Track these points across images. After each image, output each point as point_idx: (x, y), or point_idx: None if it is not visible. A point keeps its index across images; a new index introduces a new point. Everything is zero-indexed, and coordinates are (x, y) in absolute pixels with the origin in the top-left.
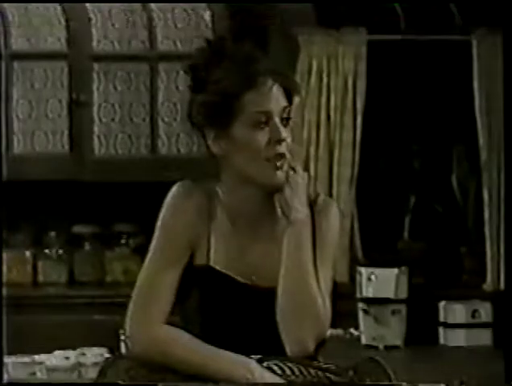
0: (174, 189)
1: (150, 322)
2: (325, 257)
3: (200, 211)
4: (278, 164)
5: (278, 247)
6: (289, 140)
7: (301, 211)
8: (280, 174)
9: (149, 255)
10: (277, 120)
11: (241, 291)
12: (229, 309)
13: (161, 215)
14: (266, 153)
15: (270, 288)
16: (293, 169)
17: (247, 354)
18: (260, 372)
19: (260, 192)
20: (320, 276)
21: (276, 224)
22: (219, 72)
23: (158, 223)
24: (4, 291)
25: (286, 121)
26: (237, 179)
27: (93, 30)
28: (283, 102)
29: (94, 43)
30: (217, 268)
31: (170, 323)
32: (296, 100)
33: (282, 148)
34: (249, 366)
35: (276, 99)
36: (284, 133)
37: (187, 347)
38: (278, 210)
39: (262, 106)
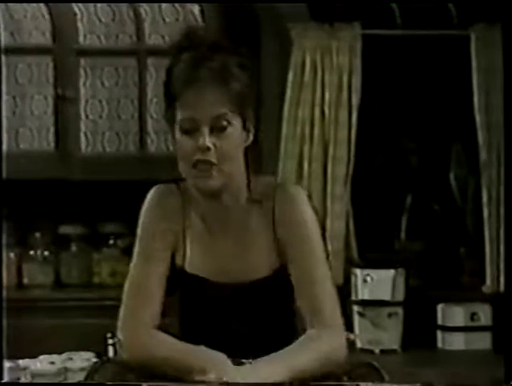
0: (149, 194)
1: (142, 328)
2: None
3: (175, 215)
4: (204, 171)
5: (250, 246)
6: (221, 146)
7: None
8: (211, 181)
9: (133, 259)
10: (205, 128)
11: (217, 292)
12: (206, 311)
13: (140, 220)
14: (191, 159)
15: (245, 284)
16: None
17: (228, 356)
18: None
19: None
20: None
21: (248, 222)
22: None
23: (138, 228)
24: None
25: (220, 129)
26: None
27: (79, 25)
28: (218, 110)
29: (80, 38)
30: (193, 272)
31: None
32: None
33: (209, 155)
34: (242, 366)
35: (206, 107)
36: (209, 142)
37: (179, 351)
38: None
39: (188, 114)
